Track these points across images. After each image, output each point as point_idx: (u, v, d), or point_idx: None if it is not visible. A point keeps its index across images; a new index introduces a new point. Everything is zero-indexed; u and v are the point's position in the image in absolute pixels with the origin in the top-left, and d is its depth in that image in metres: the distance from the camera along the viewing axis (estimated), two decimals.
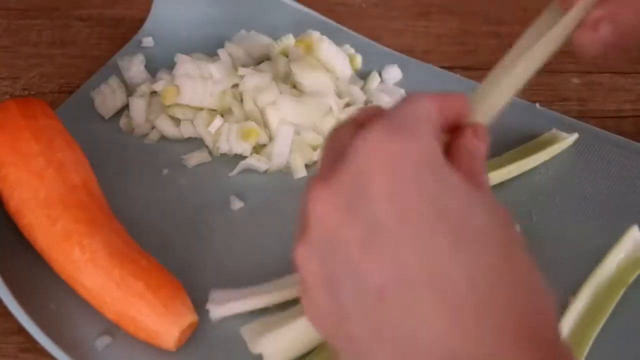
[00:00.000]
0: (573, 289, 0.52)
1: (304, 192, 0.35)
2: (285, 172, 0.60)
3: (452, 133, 0.38)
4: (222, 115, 0.61)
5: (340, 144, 0.36)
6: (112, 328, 0.50)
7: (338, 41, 0.66)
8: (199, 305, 0.51)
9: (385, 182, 0.33)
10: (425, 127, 0.35)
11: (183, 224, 0.57)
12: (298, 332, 0.48)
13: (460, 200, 0.34)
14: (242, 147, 0.60)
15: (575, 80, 0.68)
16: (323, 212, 0.34)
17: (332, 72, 0.63)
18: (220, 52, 0.64)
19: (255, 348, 0.49)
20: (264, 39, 0.67)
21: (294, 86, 0.63)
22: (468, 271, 0.32)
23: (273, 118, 0.60)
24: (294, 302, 0.50)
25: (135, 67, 0.66)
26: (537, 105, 0.64)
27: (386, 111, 0.37)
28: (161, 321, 0.48)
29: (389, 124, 0.34)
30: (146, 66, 0.66)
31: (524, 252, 0.34)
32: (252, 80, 0.61)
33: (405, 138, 0.34)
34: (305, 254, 0.35)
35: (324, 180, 0.34)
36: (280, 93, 0.61)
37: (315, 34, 0.65)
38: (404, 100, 0.36)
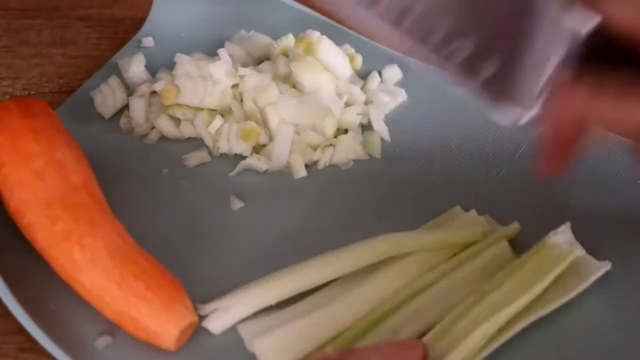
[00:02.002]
0: None
1: None
2: (285, 172, 0.60)
3: None
4: (222, 115, 0.61)
5: None
6: (112, 328, 0.50)
7: (338, 41, 0.66)
8: (199, 305, 0.51)
9: None
10: None
11: (183, 224, 0.57)
12: (295, 334, 0.48)
13: None
14: (242, 147, 0.60)
15: None
16: None
17: (332, 72, 0.63)
18: (220, 52, 0.64)
19: (253, 349, 0.49)
20: (264, 39, 0.67)
21: (294, 86, 0.63)
22: None
23: (273, 118, 0.60)
24: (291, 299, 0.51)
25: (135, 67, 0.66)
26: None
27: None
28: (161, 321, 0.48)
29: None
30: (146, 66, 0.66)
31: None
32: (252, 80, 0.61)
33: None
34: None
35: None
36: (280, 93, 0.61)
37: (315, 34, 0.65)
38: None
